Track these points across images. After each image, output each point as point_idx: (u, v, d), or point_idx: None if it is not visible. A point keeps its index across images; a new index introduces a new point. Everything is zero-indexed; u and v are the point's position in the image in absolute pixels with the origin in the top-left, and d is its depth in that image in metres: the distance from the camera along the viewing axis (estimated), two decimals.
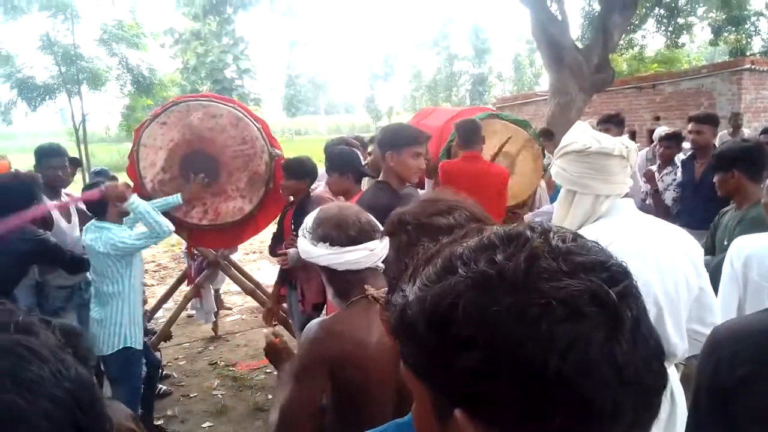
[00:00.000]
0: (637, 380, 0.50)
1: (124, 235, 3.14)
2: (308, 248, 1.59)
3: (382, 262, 1.56)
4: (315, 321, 1.60)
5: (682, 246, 1.78)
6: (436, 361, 0.54)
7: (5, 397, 0.51)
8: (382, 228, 1.53)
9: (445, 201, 1.34)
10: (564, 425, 0.49)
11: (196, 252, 4.55)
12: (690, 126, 4.40)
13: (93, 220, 3.26)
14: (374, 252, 1.55)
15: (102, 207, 3.21)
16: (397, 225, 1.33)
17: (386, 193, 2.74)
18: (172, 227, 3.34)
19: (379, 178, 2.93)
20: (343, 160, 3.49)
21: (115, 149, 27.52)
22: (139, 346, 3.34)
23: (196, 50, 32.67)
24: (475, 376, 0.51)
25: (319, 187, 3.89)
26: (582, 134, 1.88)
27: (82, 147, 14.81)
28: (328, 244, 1.55)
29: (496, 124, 4.86)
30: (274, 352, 1.75)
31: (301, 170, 3.62)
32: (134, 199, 3.20)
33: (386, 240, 1.50)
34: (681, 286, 1.71)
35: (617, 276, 0.53)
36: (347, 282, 1.59)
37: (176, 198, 3.75)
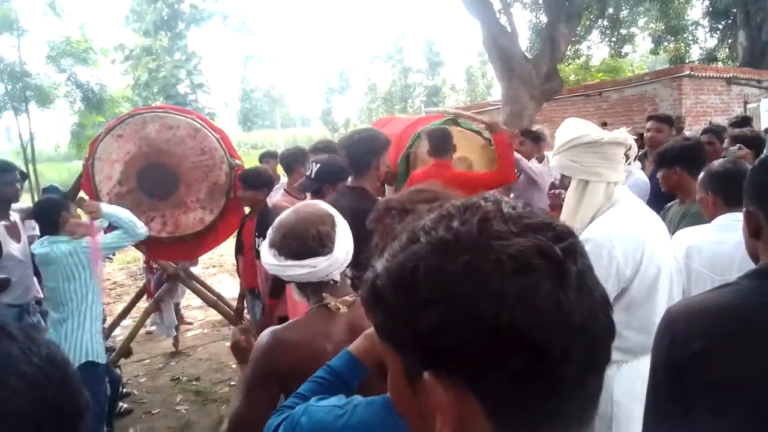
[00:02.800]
0: (583, 327, 0.55)
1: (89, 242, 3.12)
2: (262, 249, 1.60)
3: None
4: (269, 329, 1.56)
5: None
6: (404, 323, 0.59)
7: None
8: (334, 243, 1.53)
9: (431, 191, 1.39)
10: (520, 369, 0.54)
11: (155, 265, 4.50)
12: (649, 124, 4.61)
13: (45, 237, 3.20)
14: (317, 269, 1.50)
15: (53, 224, 3.15)
16: (383, 211, 1.36)
17: (368, 198, 2.72)
18: (146, 230, 3.32)
19: (353, 184, 2.91)
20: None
21: (64, 167, 26.67)
22: (103, 361, 3.28)
23: (148, 66, 32.10)
24: (436, 332, 0.55)
25: (277, 195, 3.92)
26: (589, 127, 2.01)
27: (30, 166, 14.37)
28: (275, 251, 1.54)
29: (452, 130, 4.99)
30: (240, 351, 1.76)
31: (257, 180, 3.64)
32: (102, 206, 3.20)
33: (334, 256, 1.51)
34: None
35: (562, 235, 0.58)
36: (306, 291, 1.59)
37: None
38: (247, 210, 4.03)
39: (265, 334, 1.53)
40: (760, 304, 1.15)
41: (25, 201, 7.31)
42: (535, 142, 6.33)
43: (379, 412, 0.99)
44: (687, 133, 8.53)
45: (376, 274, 0.63)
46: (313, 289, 1.56)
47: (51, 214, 3.15)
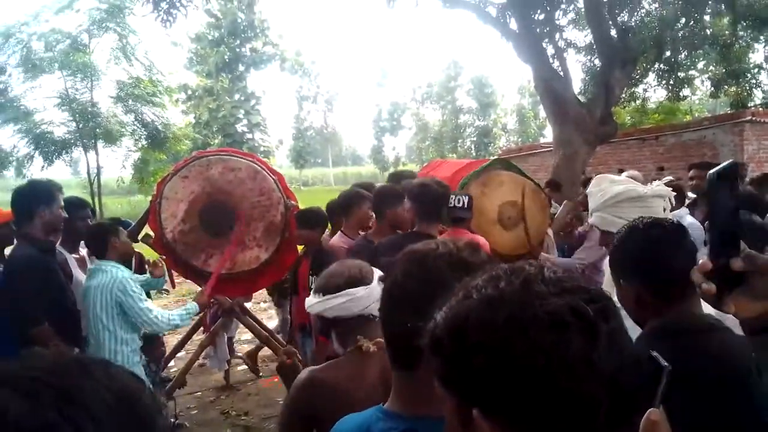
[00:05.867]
0: (611, 379, 0.63)
1: (152, 309, 3.28)
2: (308, 300, 1.67)
3: None
4: (307, 369, 1.63)
5: None
6: (456, 366, 0.68)
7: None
8: (372, 280, 1.62)
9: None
10: (553, 413, 0.62)
11: (212, 300, 4.65)
12: (691, 173, 4.54)
13: (95, 262, 3.34)
14: (357, 297, 1.57)
15: (101, 248, 3.29)
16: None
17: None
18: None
19: (368, 232, 3.09)
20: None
21: (126, 200, 27.95)
22: None
23: (209, 106, 33.60)
24: (483, 374, 0.64)
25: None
26: (629, 182, 2.04)
27: (96, 199, 15.13)
28: (321, 293, 1.61)
29: (502, 174, 5.02)
30: (285, 372, 1.82)
31: (313, 220, 3.76)
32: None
33: (374, 287, 1.57)
34: None
35: (596, 297, 0.67)
36: (344, 331, 1.63)
37: (194, 306, 3.88)
38: (301, 250, 4.15)
39: (303, 373, 1.60)
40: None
41: None
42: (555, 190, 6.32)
43: None
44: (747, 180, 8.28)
45: (435, 323, 0.73)
46: (351, 329, 1.60)
47: (99, 238, 3.31)
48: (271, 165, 4.56)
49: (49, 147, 14.44)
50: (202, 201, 4.00)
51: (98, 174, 15.55)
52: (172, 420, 4.70)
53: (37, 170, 15.12)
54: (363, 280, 1.62)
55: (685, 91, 18.51)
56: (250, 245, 4.08)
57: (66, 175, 30.16)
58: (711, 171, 0.86)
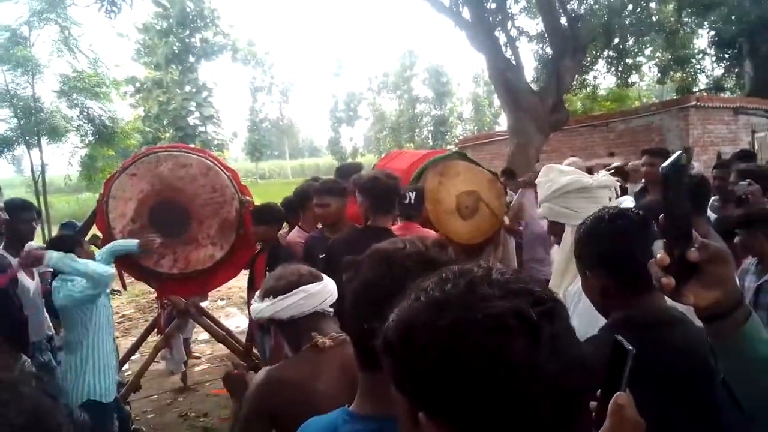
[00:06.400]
0: (554, 381, 0.63)
1: (72, 289, 3.11)
2: (254, 307, 1.65)
3: None
4: (264, 368, 1.62)
5: None
6: (405, 369, 0.69)
7: None
8: (324, 278, 1.62)
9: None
10: (496, 416, 0.62)
11: (166, 301, 4.52)
12: (643, 159, 4.64)
13: (58, 276, 3.22)
14: (312, 294, 1.58)
15: (71, 251, 3.18)
16: None
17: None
18: (110, 269, 3.32)
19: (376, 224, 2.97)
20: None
21: (73, 199, 26.98)
22: (108, 400, 3.25)
23: (159, 98, 32.66)
24: (428, 377, 0.65)
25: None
26: (574, 172, 2.03)
27: (41, 198, 14.53)
28: (271, 296, 1.59)
29: (459, 164, 5.04)
30: (233, 383, 1.79)
31: (269, 216, 3.68)
32: (50, 254, 3.10)
33: (327, 283, 1.57)
34: None
35: (541, 300, 0.67)
36: (296, 332, 1.61)
37: (133, 244, 3.74)
38: (259, 246, 4.06)
39: (260, 372, 1.59)
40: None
41: (37, 232, 7.37)
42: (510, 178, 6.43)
43: None
44: (695, 163, 8.56)
45: (387, 326, 0.73)
46: (304, 328, 1.59)
47: (66, 251, 3.19)
48: (225, 159, 4.46)
49: None
50: (152, 199, 3.87)
51: (42, 172, 14.92)
52: (130, 425, 4.56)
53: None
54: (315, 277, 1.62)
55: (634, 78, 19.06)
56: (203, 243, 3.97)
57: (9, 173, 28.88)
58: (663, 165, 0.86)
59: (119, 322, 8.31)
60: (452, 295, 0.67)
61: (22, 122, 13.60)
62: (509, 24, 10.80)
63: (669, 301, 1.42)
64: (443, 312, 0.66)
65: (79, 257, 3.18)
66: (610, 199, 2.06)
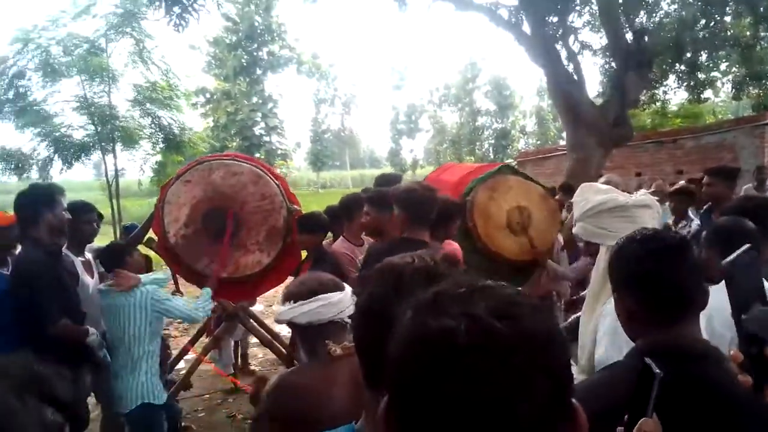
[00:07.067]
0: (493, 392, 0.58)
1: (185, 305, 3.38)
2: (276, 309, 1.70)
3: None
4: (279, 374, 1.66)
5: None
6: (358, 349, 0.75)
7: None
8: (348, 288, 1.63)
9: None
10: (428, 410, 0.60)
11: (215, 304, 4.66)
12: (705, 179, 4.45)
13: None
14: (332, 303, 1.60)
15: (119, 263, 3.34)
16: None
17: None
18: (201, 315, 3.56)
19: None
20: None
21: (146, 203, 28.21)
22: (160, 401, 3.33)
23: (227, 109, 33.88)
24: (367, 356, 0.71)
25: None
26: (611, 191, 1.97)
27: (115, 201, 15.31)
28: (291, 301, 1.62)
29: (510, 179, 4.96)
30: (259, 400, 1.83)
31: (314, 224, 3.75)
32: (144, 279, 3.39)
33: (347, 293, 1.59)
34: None
35: (499, 312, 0.62)
36: (312, 338, 1.63)
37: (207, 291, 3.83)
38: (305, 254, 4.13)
39: (275, 378, 1.63)
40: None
41: (107, 233, 7.75)
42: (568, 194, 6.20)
43: None
44: None
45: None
46: (320, 335, 1.60)
47: (115, 256, 3.36)
48: (288, 168, 4.58)
49: (68, 150, 14.65)
50: (205, 205, 4.01)
51: (116, 176, 15.75)
52: (179, 423, 4.72)
53: (58, 173, 15.36)
54: (337, 286, 1.64)
55: (707, 93, 18.20)
56: (251, 249, 4.08)
57: (89, 176, 30.58)
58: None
59: (179, 322, 8.62)
60: (418, 304, 0.66)
61: (98, 129, 14.45)
62: (571, 37, 10.58)
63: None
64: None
65: (129, 264, 3.34)
66: (654, 220, 1.97)
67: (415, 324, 0.64)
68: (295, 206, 4.16)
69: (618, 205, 1.88)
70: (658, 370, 1.01)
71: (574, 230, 2.00)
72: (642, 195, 1.92)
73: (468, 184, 4.94)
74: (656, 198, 5.19)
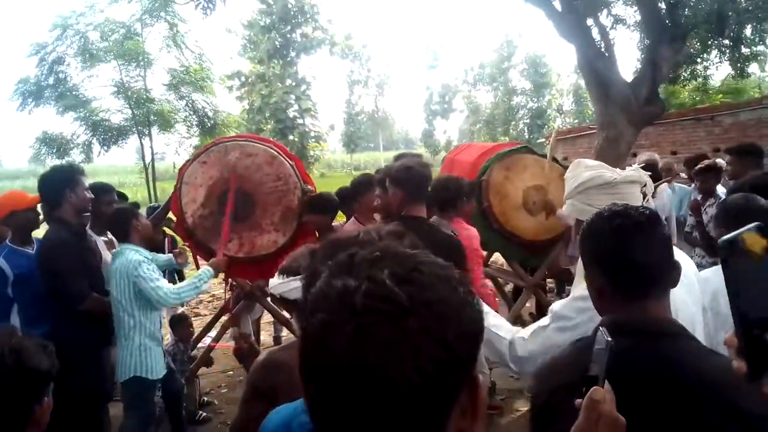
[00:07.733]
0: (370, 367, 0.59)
1: (161, 287, 3.35)
2: (270, 281, 1.74)
3: None
4: (267, 350, 1.71)
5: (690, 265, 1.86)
6: None
7: None
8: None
9: None
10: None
11: (233, 283, 4.78)
12: (727, 159, 4.33)
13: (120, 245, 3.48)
14: None
15: (123, 231, 3.45)
16: None
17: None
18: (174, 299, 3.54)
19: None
20: None
21: None
22: (154, 377, 3.42)
23: (261, 92, 34.15)
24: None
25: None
26: (600, 167, 1.94)
27: (151, 183, 15.72)
28: (284, 275, 1.66)
29: (526, 158, 4.91)
30: (244, 356, 1.88)
31: (323, 205, 3.79)
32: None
33: None
34: (698, 304, 1.80)
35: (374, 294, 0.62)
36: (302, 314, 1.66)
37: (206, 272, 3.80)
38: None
39: (262, 354, 1.68)
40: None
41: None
42: None
43: None
44: None
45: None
46: None
47: (120, 222, 3.46)
48: (322, 150, 4.63)
49: (106, 134, 15.09)
50: (221, 186, 4.10)
51: (152, 159, 16.16)
52: (202, 398, 4.89)
53: (97, 157, 15.83)
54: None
55: (752, 68, 17.41)
56: (267, 229, 4.16)
57: (132, 161, 31.41)
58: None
59: (209, 301, 8.86)
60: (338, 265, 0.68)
61: (134, 113, 14.83)
62: (604, 12, 10.26)
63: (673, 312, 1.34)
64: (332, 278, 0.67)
65: (135, 229, 3.44)
66: (645, 196, 1.94)
67: (324, 282, 0.66)
68: (310, 187, 4.22)
69: (605, 181, 1.85)
70: (609, 338, 1.02)
71: (561, 210, 1.98)
72: (631, 170, 1.89)
73: (483, 164, 4.92)
74: (664, 175, 5.04)
